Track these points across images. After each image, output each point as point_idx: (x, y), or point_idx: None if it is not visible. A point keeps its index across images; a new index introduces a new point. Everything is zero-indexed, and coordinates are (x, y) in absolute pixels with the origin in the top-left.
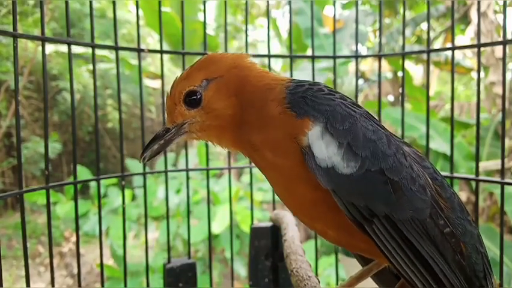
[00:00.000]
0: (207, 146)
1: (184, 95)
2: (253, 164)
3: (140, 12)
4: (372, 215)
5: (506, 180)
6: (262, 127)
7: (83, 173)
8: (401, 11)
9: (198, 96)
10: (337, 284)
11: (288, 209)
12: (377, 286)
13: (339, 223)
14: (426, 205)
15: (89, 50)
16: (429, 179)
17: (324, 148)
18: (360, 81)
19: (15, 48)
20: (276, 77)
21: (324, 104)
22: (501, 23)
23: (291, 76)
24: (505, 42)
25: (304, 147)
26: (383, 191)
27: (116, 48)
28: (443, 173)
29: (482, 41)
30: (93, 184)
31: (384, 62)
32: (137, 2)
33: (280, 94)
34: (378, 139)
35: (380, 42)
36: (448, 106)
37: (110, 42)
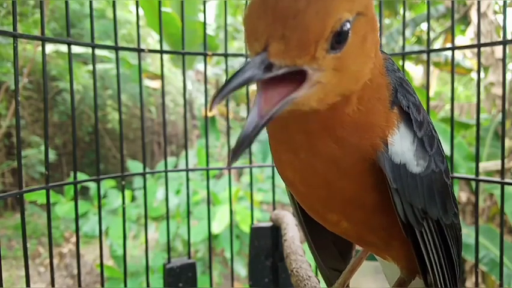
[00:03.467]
0: (206, 146)
1: (340, 25)
2: (253, 164)
3: (141, 12)
4: (423, 218)
5: (506, 180)
6: (358, 126)
7: (81, 178)
8: (401, 11)
9: (346, 32)
10: None
11: (295, 193)
12: (375, 286)
13: (366, 221)
14: (457, 210)
15: (89, 50)
16: None
17: (400, 141)
18: None
19: (15, 49)
20: (379, 52)
21: (408, 90)
22: (501, 23)
23: None
24: (505, 42)
25: (380, 146)
26: (440, 193)
27: (116, 48)
28: None
29: (482, 41)
30: (92, 186)
31: None
32: (137, 2)
33: (388, 90)
34: (437, 137)
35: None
36: (447, 106)
37: (110, 42)
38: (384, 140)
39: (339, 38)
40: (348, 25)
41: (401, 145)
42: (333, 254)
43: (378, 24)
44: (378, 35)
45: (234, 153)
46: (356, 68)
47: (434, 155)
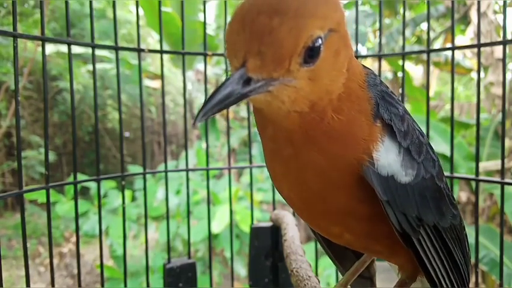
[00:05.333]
0: (207, 146)
1: (312, 41)
2: (253, 164)
3: (141, 12)
4: (419, 225)
5: (506, 180)
6: (339, 136)
7: (81, 178)
8: (401, 11)
9: (318, 47)
10: None
11: (294, 208)
12: (381, 286)
13: (367, 231)
14: (458, 211)
15: (89, 50)
16: None
17: (385, 154)
18: None
19: (15, 48)
20: (359, 66)
21: (391, 103)
22: (501, 23)
23: None
24: (505, 42)
25: (365, 159)
26: (433, 199)
27: (116, 48)
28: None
29: (482, 41)
30: (93, 186)
31: (384, 63)
32: (137, 2)
33: (369, 103)
34: (427, 142)
35: (380, 43)
36: (447, 106)
37: (110, 42)
38: (369, 154)
39: (311, 53)
40: (320, 41)
41: (387, 157)
42: (354, 262)
43: (351, 40)
44: (352, 50)
45: (205, 113)
46: (329, 80)
47: (423, 161)
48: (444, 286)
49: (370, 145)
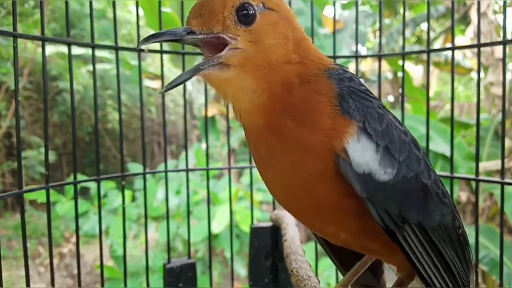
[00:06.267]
0: (207, 146)
1: (239, 3)
2: (253, 164)
3: (141, 12)
4: (403, 222)
5: (506, 180)
6: (304, 115)
7: (81, 178)
8: (401, 11)
9: (252, 14)
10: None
11: (290, 211)
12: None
13: (359, 228)
14: (449, 210)
15: (89, 50)
16: None
17: (361, 152)
18: None
19: (15, 49)
20: (320, 54)
21: (364, 99)
22: (501, 23)
23: None
24: (505, 42)
25: (339, 150)
26: (417, 197)
27: (116, 48)
28: (443, 173)
29: (482, 41)
30: (93, 186)
31: (384, 63)
32: (137, 2)
33: (330, 89)
34: (410, 141)
35: (380, 43)
36: (447, 106)
37: (110, 43)
38: (340, 143)
39: (246, 15)
40: (251, 9)
41: (364, 156)
42: (355, 262)
43: (296, 21)
44: (301, 32)
45: (167, 86)
46: (270, 42)
47: (405, 160)
48: (438, 286)
49: (341, 134)
